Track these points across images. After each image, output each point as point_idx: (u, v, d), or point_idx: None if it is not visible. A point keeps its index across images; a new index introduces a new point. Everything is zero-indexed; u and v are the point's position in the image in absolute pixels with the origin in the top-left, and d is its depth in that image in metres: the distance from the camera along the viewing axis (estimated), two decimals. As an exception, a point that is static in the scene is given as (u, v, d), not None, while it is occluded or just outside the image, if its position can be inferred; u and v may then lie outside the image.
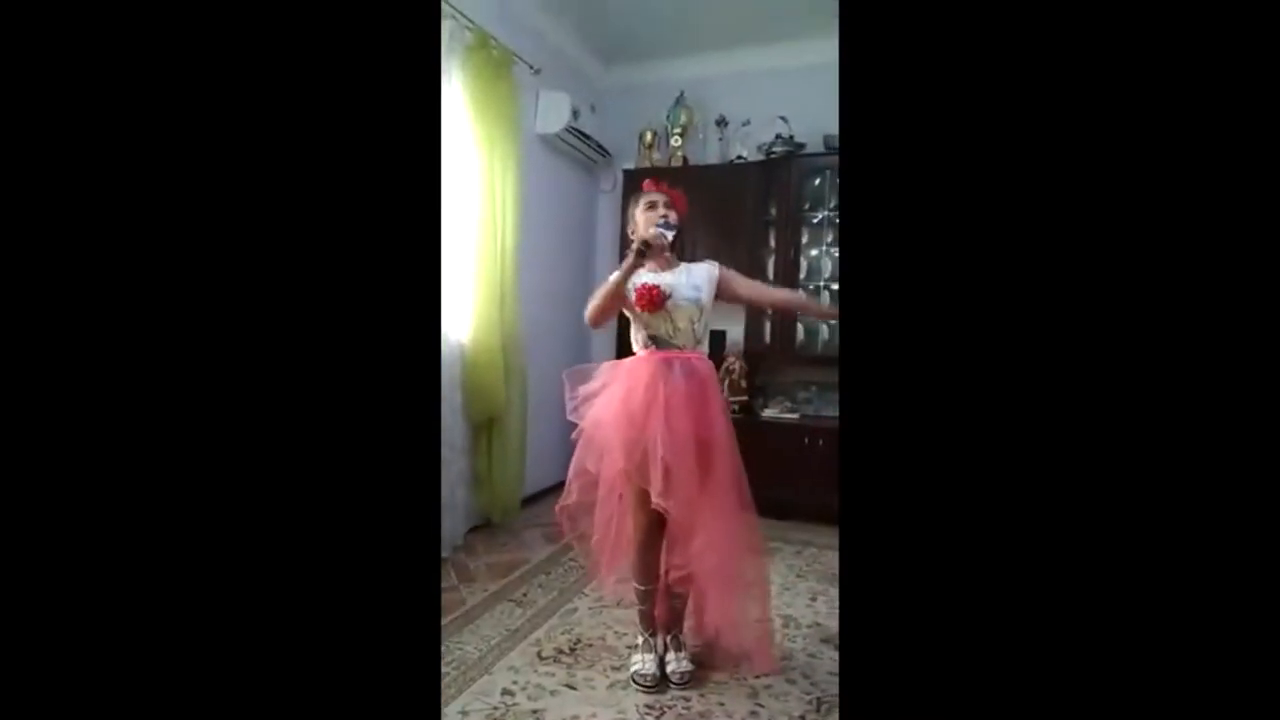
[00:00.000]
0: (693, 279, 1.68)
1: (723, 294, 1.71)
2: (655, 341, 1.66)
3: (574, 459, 1.68)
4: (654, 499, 1.54)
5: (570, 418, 1.68)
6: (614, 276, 1.59)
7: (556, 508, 1.71)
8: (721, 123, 3.46)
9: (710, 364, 1.72)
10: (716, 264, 1.73)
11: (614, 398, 1.63)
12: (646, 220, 1.67)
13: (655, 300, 1.60)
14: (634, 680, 1.65)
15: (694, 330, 1.66)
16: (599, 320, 1.62)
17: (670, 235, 1.60)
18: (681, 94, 3.48)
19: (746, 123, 3.37)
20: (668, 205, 1.70)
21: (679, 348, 1.64)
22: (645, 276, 1.64)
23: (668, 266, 1.70)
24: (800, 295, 1.81)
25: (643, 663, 1.68)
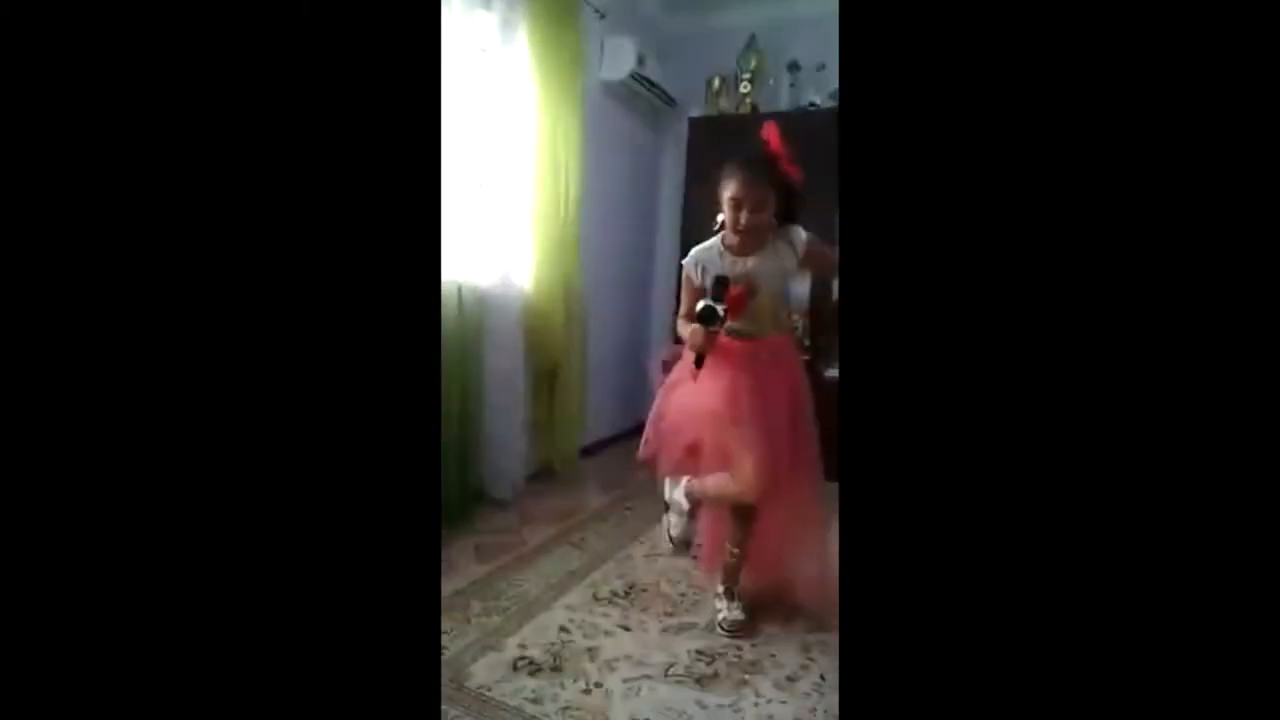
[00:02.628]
0: (779, 261, 1.55)
1: (806, 266, 1.62)
2: (734, 332, 1.57)
3: (651, 424, 1.73)
4: (745, 494, 1.58)
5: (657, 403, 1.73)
6: (689, 339, 1.52)
7: (642, 455, 1.79)
8: (794, 68, 3.29)
9: (790, 342, 1.71)
10: (803, 234, 1.56)
11: (699, 390, 1.58)
12: (730, 216, 1.49)
13: (741, 305, 1.50)
14: (720, 627, 1.66)
15: (775, 316, 1.60)
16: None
17: (719, 319, 1.45)
18: (753, 37, 3.32)
19: (821, 67, 3.20)
20: (757, 206, 1.46)
21: (761, 337, 1.59)
22: (730, 268, 1.53)
23: (756, 248, 1.55)
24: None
25: (728, 610, 1.68)
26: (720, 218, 1.54)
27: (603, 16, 2.96)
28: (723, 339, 1.57)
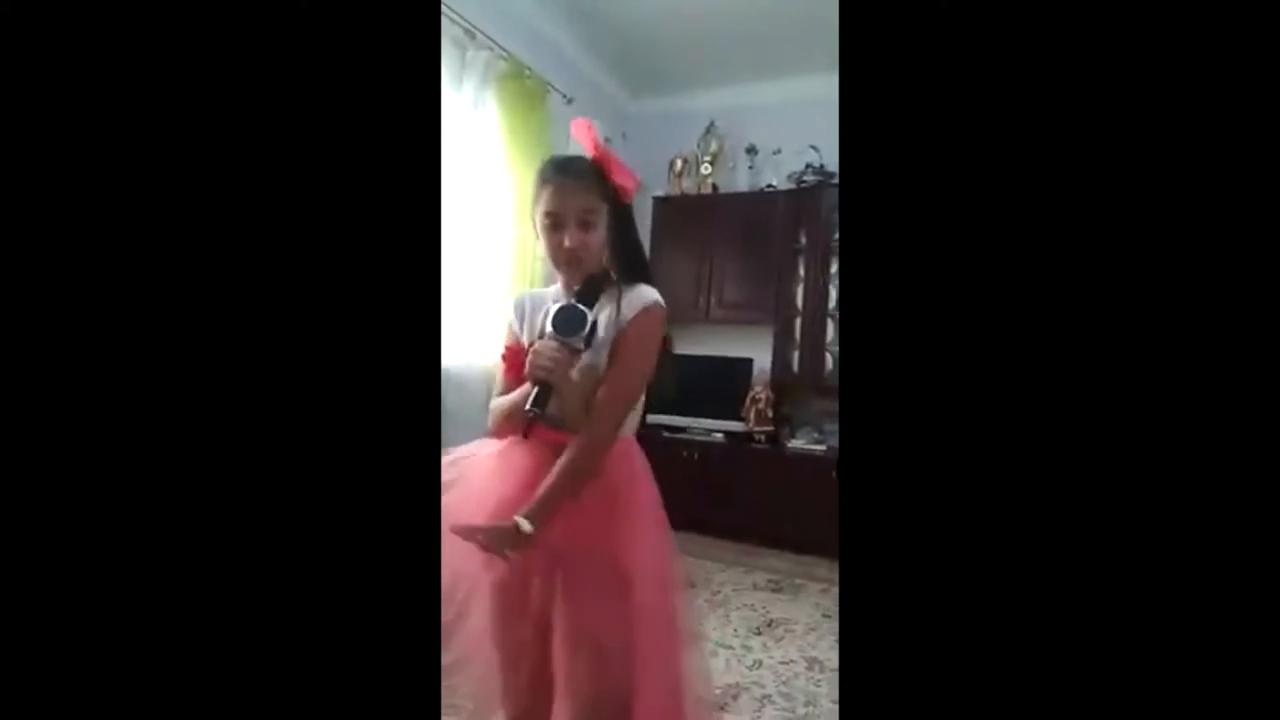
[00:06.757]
0: (609, 327, 1.01)
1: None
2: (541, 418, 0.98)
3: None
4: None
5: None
6: (502, 404, 1.01)
7: None
8: (752, 151, 3.47)
9: (635, 452, 1.05)
10: (653, 302, 1.03)
11: (472, 496, 1.01)
12: (547, 243, 1.01)
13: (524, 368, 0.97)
14: None
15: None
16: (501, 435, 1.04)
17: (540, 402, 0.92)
18: (712, 123, 3.50)
19: (777, 151, 3.37)
20: (585, 219, 1.00)
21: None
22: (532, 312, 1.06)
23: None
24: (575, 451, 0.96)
25: None
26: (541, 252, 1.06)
27: (570, 101, 3.08)
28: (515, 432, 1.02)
